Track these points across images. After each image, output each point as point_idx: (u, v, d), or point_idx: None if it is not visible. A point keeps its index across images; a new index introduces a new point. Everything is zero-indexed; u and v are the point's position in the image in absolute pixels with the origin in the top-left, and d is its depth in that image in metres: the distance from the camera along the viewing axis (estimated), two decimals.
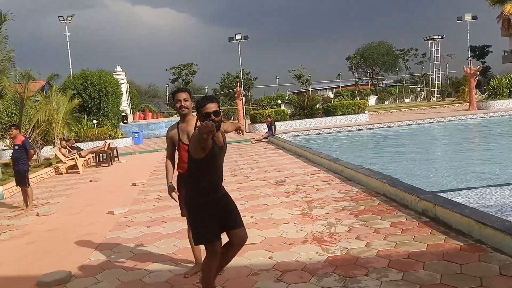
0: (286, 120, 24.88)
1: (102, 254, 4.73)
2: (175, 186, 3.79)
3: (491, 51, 72.50)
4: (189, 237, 3.77)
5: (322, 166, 9.56)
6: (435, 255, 3.86)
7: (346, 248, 4.25)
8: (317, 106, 28.49)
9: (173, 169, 3.88)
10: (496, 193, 6.38)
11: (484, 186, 7.09)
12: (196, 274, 3.78)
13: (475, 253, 3.81)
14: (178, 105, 3.68)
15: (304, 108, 26.32)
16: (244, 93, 32.10)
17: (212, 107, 2.94)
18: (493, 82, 27.53)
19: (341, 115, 25.11)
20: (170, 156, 3.87)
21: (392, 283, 3.36)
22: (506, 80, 26.91)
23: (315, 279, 3.56)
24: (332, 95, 59.95)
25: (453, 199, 5.25)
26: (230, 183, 8.49)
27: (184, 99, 3.67)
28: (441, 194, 5.58)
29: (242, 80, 46.39)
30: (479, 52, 71.69)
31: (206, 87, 70.28)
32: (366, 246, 4.25)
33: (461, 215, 4.40)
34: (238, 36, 40.68)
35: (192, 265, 3.98)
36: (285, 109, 29.51)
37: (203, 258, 3.23)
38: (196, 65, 75.74)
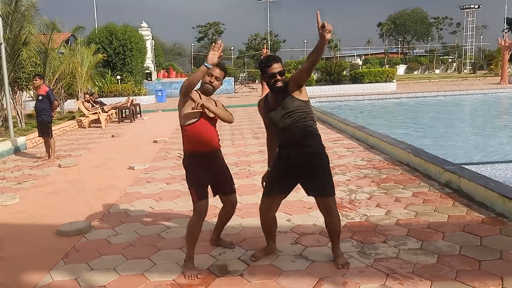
0: (312, 85, 24.42)
1: (121, 208, 4.81)
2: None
3: None
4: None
5: (346, 133, 9.40)
6: (456, 226, 3.77)
7: (365, 215, 4.19)
8: (344, 72, 27.79)
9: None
10: None
11: (510, 161, 6.83)
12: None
13: (497, 226, 3.72)
14: (208, 78, 3.15)
15: (331, 74, 25.73)
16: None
17: (277, 67, 2.97)
18: None
19: (368, 82, 24.47)
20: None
21: (410, 251, 3.31)
22: None
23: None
24: (360, 62, 58.26)
25: (479, 172, 5.07)
26: (252, 146, 8.47)
27: (217, 78, 3.17)
28: (469, 167, 5.39)
29: (269, 42, 45.48)
30: None
31: (232, 48, 69.14)
32: (386, 214, 4.18)
33: (485, 188, 4.28)
34: None
35: (210, 222, 4.00)
36: (312, 74, 28.92)
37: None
38: (223, 24, 74.38)
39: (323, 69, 27.53)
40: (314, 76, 28.13)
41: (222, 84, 3.30)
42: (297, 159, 3.04)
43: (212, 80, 3.17)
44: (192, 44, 72.04)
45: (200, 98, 3.15)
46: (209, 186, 3.29)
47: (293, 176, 3.11)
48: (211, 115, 3.20)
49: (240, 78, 42.22)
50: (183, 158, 3.31)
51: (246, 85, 36.56)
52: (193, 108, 3.03)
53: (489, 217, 3.96)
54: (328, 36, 2.66)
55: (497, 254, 3.19)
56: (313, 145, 3.06)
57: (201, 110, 3.11)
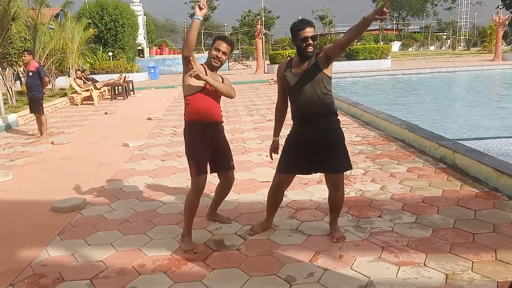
0: None
1: (116, 184, 4.79)
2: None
3: None
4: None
5: (340, 109, 9.35)
6: (450, 201, 3.82)
7: (361, 190, 4.22)
8: None
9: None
10: None
11: (504, 137, 6.89)
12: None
13: (490, 200, 3.77)
14: (214, 53, 3.10)
15: None
16: (265, 31, 31.06)
17: (310, 31, 2.86)
18: None
19: (363, 59, 24.29)
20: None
21: (405, 225, 3.34)
22: None
23: (328, 218, 3.56)
24: None
25: (473, 147, 5.11)
26: (246, 123, 8.42)
27: (223, 52, 3.12)
28: (463, 142, 5.42)
29: (263, 18, 44.66)
30: (510, 1, 67.02)
31: (225, 24, 67.88)
32: (381, 189, 4.21)
33: (480, 162, 4.31)
34: None
35: (206, 197, 4.01)
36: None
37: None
38: (217, 0, 72.73)
39: (318, 46, 27.21)
40: None
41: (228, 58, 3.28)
42: (315, 135, 2.93)
43: (219, 55, 3.12)
44: (185, 20, 70.48)
45: (206, 73, 3.09)
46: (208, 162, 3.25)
47: (310, 153, 2.98)
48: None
49: (234, 55, 41.68)
50: (184, 128, 3.25)
51: (240, 62, 36.14)
52: (189, 75, 2.98)
53: (483, 191, 4.01)
54: (381, 17, 2.54)
55: (491, 227, 3.24)
56: (330, 121, 2.99)
57: (201, 83, 3.06)
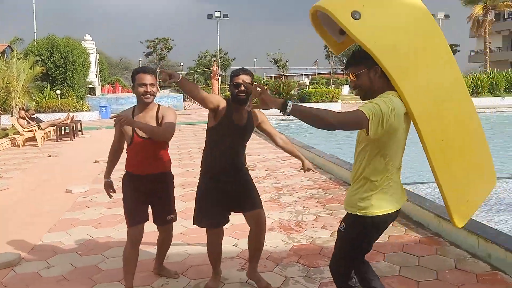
0: None
1: (56, 236, 4.48)
2: (112, 184, 3.25)
3: (459, 50, 75.07)
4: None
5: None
6: (395, 247, 3.92)
7: (311, 237, 4.24)
8: (293, 92, 28.50)
9: (116, 161, 3.24)
10: None
11: None
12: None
13: (433, 246, 3.91)
14: (142, 90, 2.88)
15: (280, 93, 26.27)
16: (221, 73, 31.64)
17: (244, 78, 2.88)
18: None
19: (315, 102, 25.31)
20: (116, 145, 3.18)
21: None
22: (470, 79, 28.19)
23: (279, 268, 3.52)
24: (307, 82, 60.17)
25: (416, 192, 5.33)
26: (197, 166, 8.32)
27: (151, 84, 2.90)
28: (405, 186, 5.64)
29: (219, 59, 45.68)
30: None
31: (182, 64, 68.67)
32: (331, 235, 4.25)
33: (421, 208, 4.50)
34: (217, 14, 39.62)
35: (154, 249, 3.83)
36: None
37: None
38: (173, 40, 73.64)
39: (272, 88, 28.07)
40: None
41: (158, 88, 3.13)
42: (234, 186, 3.02)
43: (148, 90, 2.88)
44: (140, 59, 70.59)
45: (133, 115, 2.93)
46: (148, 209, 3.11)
47: (230, 201, 3.04)
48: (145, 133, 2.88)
49: None
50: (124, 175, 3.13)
51: (195, 102, 36.26)
52: (114, 126, 2.93)
53: (426, 237, 4.16)
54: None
55: (434, 275, 3.34)
56: (244, 171, 3.12)
57: (130, 130, 2.94)
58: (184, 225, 4.66)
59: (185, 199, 5.79)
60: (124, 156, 3.16)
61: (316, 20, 2.33)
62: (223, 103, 2.90)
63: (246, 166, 3.18)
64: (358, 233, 2.22)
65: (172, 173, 3.23)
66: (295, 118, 1.98)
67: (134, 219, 2.96)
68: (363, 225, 2.18)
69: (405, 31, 2.11)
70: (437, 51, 2.19)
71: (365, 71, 2.11)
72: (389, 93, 2.07)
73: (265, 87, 2.09)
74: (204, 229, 3.10)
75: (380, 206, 2.15)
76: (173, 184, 3.22)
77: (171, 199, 3.21)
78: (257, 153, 9.68)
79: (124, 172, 3.15)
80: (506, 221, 4.85)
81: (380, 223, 2.19)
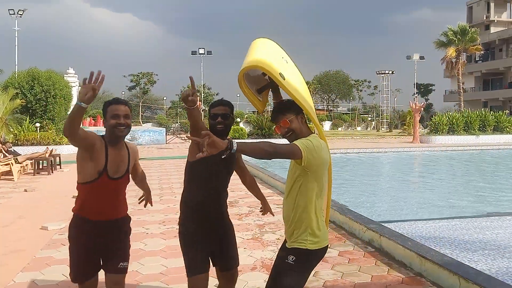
0: (244, 139, 24.93)
1: (29, 276, 4.29)
2: None
3: (434, 90, 79.01)
4: None
5: (276, 188, 9.55)
6: (378, 287, 3.89)
7: None
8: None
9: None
10: (435, 226, 6.62)
11: (426, 219, 7.37)
12: None
13: (415, 286, 3.91)
14: (114, 122, 2.63)
15: (263, 128, 26.56)
16: (204, 108, 31.86)
17: (222, 109, 2.86)
18: (435, 119, 29.80)
19: None
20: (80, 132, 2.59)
21: None
22: (446, 117, 29.28)
23: None
24: None
25: (398, 230, 5.38)
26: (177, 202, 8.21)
27: (125, 116, 2.67)
28: (387, 225, 5.70)
29: (202, 94, 46.16)
30: (424, 90, 77.87)
31: (165, 98, 68.98)
32: (314, 275, 4.21)
33: (404, 247, 4.53)
34: (201, 51, 40.42)
35: None
36: (243, 127, 29.61)
37: None
38: (156, 74, 74.31)
39: (254, 123, 28.39)
40: (247, 129, 28.85)
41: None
42: (218, 227, 2.94)
43: (121, 121, 2.63)
44: (123, 93, 70.69)
45: (106, 152, 2.59)
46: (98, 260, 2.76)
47: (214, 243, 2.92)
48: (118, 174, 2.67)
49: (172, 128, 41.86)
50: (71, 221, 2.76)
51: (178, 135, 36.26)
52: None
53: (408, 276, 4.17)
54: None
55: None
56: (227, 215, 3.05)
57: (100, 168, 2.60)
58: (164, 264, 4.55)
59: (165, 236, 5.67)
60: (69, 199, 2.78)
61: (242, 81, 2.75)
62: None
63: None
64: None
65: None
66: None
67: (83, 275, 2.69)
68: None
69: (302, 84, 2.94)
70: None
71: (295, 117, 2.51)
72: (313, 136, 2.52)
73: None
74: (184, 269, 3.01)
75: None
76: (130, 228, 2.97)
77: (128, 246, 2.93)
78: (239, 189, 9.60)
79: (71, 217, 2.78)
80: (485, 260, 4.92)
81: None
